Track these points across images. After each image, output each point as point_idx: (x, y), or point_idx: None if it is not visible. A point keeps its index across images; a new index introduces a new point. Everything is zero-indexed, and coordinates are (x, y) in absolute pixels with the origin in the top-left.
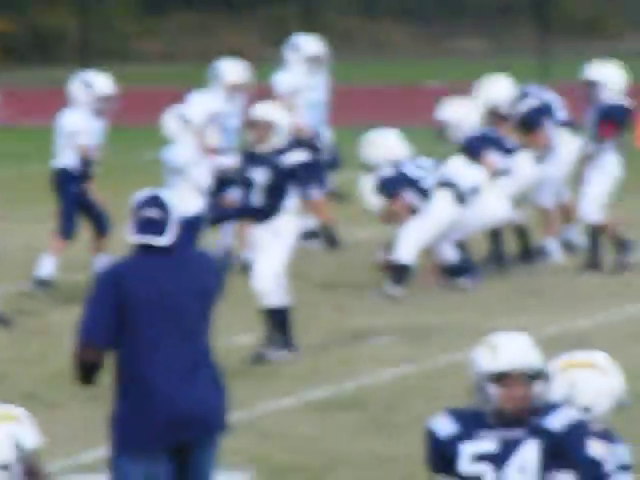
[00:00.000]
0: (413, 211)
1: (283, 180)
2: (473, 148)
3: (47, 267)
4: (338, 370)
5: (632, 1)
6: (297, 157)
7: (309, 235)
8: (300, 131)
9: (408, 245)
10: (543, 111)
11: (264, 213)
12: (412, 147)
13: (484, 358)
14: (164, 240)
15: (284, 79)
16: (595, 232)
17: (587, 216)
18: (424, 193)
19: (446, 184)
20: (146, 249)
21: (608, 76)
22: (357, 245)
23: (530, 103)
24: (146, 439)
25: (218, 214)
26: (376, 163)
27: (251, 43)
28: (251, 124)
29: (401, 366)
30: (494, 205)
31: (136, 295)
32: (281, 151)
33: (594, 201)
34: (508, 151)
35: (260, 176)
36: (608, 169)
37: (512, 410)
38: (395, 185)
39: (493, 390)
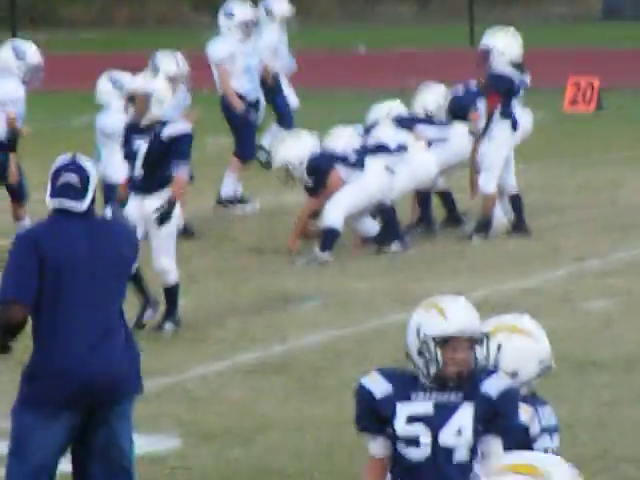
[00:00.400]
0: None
1: (163, 151)
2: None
3: None
4: (267, 334)
5: None
6: (179, 128)
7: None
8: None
9: (336, 210)
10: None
11: (146, 184)
12: (340, 112)
13: (432, 321)
14: (82, 205)
15: (219, 46)
16: (514, 204)
17: (482, 188)
18: (353, 166)
19: (376, 150)
20: (63, 213)
21: (500, 44)
22: (286, 210)
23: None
24: (52, 397)
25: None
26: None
27: (181, 10)
28: (130, 97)
29: (329, 330)
30: (422, 165)
31: (53, 258)
32: (163, 122)
33: (488, 173)
34: (441, 123)
35: (143, 147)
36: (497, 139)
37: (454, 373)
38: (325, 162)
39: (439, 353)
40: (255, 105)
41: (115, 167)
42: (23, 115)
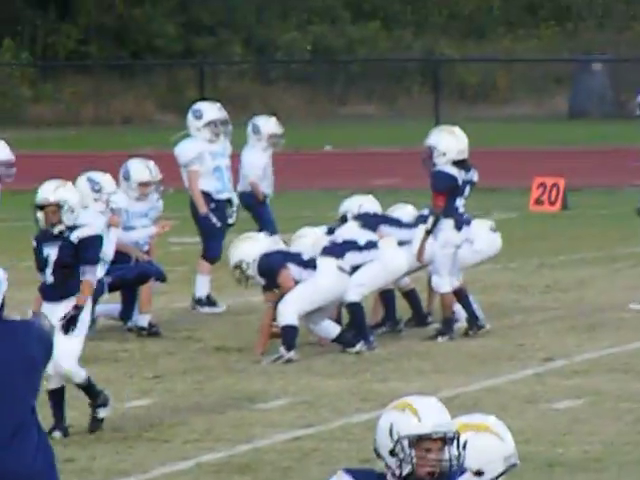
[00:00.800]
0: (296, 283)
1: (73, 256)
2: (369, 221)
3: None
4: (232, 433)
5: (520, 68)
6: (86, 231)
7: (200, 301)
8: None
9: (288, 309)
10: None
11: (56, 292)
12: (310, 211)
13: (406, 421)
14: None
15: (187, 147)
16: (458, 299)
17: (436, 289)
18: (305, 265)
19: (344, 246)
20: None
21: (442, 143)
22: (251, 309)
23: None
24: None
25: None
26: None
27: (146, 108)
28: (40, 206)
29: (295, 430)
30: (393, 261)
31: None
32: (72, 227)
33: (437, 274)
34: (405, 225)
35: (53, 255)
36: (441, 239)
37: (427, 474)
38: (276, 261)
39: (411, 453)
40: (225, 204)
41: None
42: None
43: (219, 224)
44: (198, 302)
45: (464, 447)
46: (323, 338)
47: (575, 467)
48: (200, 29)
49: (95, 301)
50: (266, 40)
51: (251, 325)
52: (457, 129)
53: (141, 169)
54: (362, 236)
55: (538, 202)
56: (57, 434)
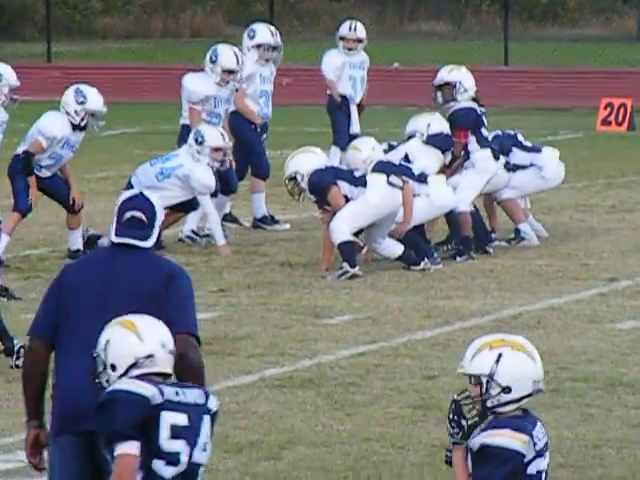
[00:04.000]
0: (347, 200)
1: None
2: (464, 120)
3: None
4: (296, 349)
5: None
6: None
7: (263, 220)
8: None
9: (340, 227)
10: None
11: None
12: (377, 127)
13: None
14: (148, 242)
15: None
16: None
17: (457, 205)
18: (356, 182)
19: (382, 169)
20: (126, 247)
21: (465, 79)
22: (316, 224)
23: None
24: (57, 426)
25: None
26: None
27: (215, 22)
28: None
29: (359, 345)
30: (440, 199)
31: (73, 293)
32: None
33: (462, 193)
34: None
35: None
36: (481, 167)
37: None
38: (326, 178)
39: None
40: (263, 127)
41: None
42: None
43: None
44: (261, 221)
45: (497, 361)
46: (369, 252)
47: (638, 387)
48: None
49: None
50: None
51: (316, 240)
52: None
53: (229, 55)
54: (418, 165)
55: (605, 122)
56: None
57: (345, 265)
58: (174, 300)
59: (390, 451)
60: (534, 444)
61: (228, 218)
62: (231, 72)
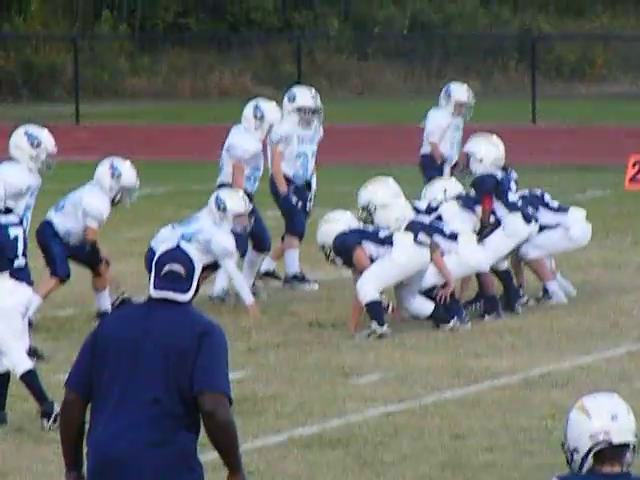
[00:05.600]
0: (372, 261)
1: None
2: (483, 186)
3: None
4: (325, 408)
5: (618, 45)
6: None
7: (295, 278)
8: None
9: (367, 286)
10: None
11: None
12: (403, 187)
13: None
14: (186, 296)
15: (277, 127)
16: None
17: (478, 266)
18: (382, 242)
19: (412, 228)
20: (163, 302)
21: (480, 149)
22: (345, 284)
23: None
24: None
25: None
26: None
27: (243, 82)
28: None
29: (388, 405)
30: (471, 258)
31: (107, 348)
32: None
33: (487, 252)
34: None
35: None
36: (511, 229)
37: None
38: (350, 240)
39: None
40: (304, 187)
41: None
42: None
43: (299, 203)
44: (293, 278)
45: (566, 425)
46: (398, 310)
47: None
48: (298, 2)
49: None
50: (364, 15)
51: (345, 300)
52: (495, 137)
53: (275, 111)
54: (451, 227)
55: (633, 180)
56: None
57: (373, 324)
58: (206, 357)
59: None
60: None
61: (271, 275)
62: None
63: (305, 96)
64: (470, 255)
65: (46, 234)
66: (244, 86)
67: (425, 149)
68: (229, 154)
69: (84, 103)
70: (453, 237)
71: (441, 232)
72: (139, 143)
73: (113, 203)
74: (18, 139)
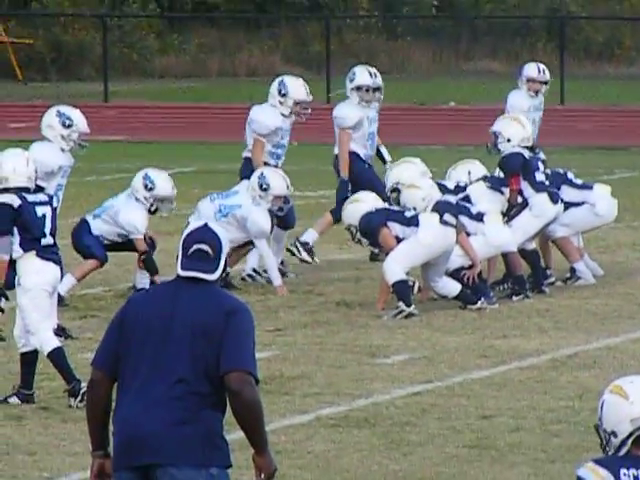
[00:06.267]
0: (399, 240)
1: None
2: (510, 166)
3: None
4: (352, 388)
5: None
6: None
7: (304, 245)
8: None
9: (393, 267)
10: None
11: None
12: (430, 167)
13: None
14: (213, 275)
15: (347, 110)
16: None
17: (506, 246)
18: (408, 222)
19: (439, 208)
20: (190, 281)
21: (507, 129)
22: (372, 264)
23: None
24: (115, 461)
25: None
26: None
27: (271, 61)
28: None
29: (415, 385)
30: (496, 238)
31: (134, 327)
32: None
33: (513, 232)
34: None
35: None
36: (539, 210)
37: None
38: (376, 220)
39: None
40: (371, 165)
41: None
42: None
43: (371, 180)
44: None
45: (601, 408)
46: (425, 290)
47: None
48: None
49: None
50: None
51: (372, 280)
52: (522, 117)
53: (299, 87)
54: (477, 205)
55: None
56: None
57: (401, 304)
58: (232, 336)
59: None
60: None
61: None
62: (301, 103)
63: (364, 75)
64: (496, 235)
65: (82, 230)
66: (272, 66)
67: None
68: (250, 128)
69: (113, 82)
70: (479, 217)
71: (467, 212)
72: (167, 122)
73: (150, 212)
74: (50, 119)
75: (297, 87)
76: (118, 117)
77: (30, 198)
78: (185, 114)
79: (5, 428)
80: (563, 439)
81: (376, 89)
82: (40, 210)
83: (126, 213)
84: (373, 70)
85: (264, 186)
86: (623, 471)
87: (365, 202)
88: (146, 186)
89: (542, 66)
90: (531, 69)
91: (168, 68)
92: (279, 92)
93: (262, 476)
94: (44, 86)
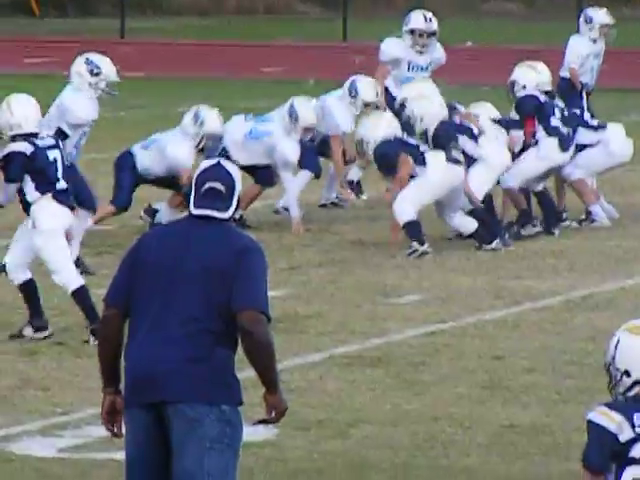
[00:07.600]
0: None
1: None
2: (524, 107)
3: None
4: (366, 327)
5: None
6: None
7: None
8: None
9: (404, 206)
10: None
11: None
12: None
13: None
14: (226, 214)
15: (391, 44)
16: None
17: (504, 182)
18: (421, 160)
19: (441, 142)
20: (203, 219)
21: (522, 76)
22: (388, 203)
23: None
24: (126, 399)
25: None
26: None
27: (289, 0)
28: None
29: (428, 325)
30: (495, 157)
31: (146, 264)
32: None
33: (515, 171)
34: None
35: None
36: (544, 153)
37: None
38: (392, 148)
39: None
40: None
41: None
42: None
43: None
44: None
45: (616, 346)
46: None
47: None
48: None
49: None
50: None
51: (387, 220)
52: (540, 65)
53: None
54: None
55: None
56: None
57: (414, 244)
58: (244, 275)
59: (457, 431)
60: (633, 426)
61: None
62: (370, 104)
63: (418, 19)
64: (493, 155)
65: (124, 163)
66: (290, 4)
67: (564, 72)
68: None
69: (129, 18)
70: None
71: (470, 133)
72: (184, 59)
73: (198, 149)
74: (78, 66)
75: (367, 88)
76: (134, 54)
77: (40, 143)
78: (202, 51)
79: (19, 363)
80: (576, 380)
81: (431, 34)
82: (51, 154)
83: (173, 146)
84: (429, 15)
85: (294, 116)
86: (637, 415)
87: (381, 119)
88: (195, 121)
89: (603, 10)
90: (601, 16)
91: (185, 5)
92: (350, 94)
93: (273, 415)
94: (60, 22)
